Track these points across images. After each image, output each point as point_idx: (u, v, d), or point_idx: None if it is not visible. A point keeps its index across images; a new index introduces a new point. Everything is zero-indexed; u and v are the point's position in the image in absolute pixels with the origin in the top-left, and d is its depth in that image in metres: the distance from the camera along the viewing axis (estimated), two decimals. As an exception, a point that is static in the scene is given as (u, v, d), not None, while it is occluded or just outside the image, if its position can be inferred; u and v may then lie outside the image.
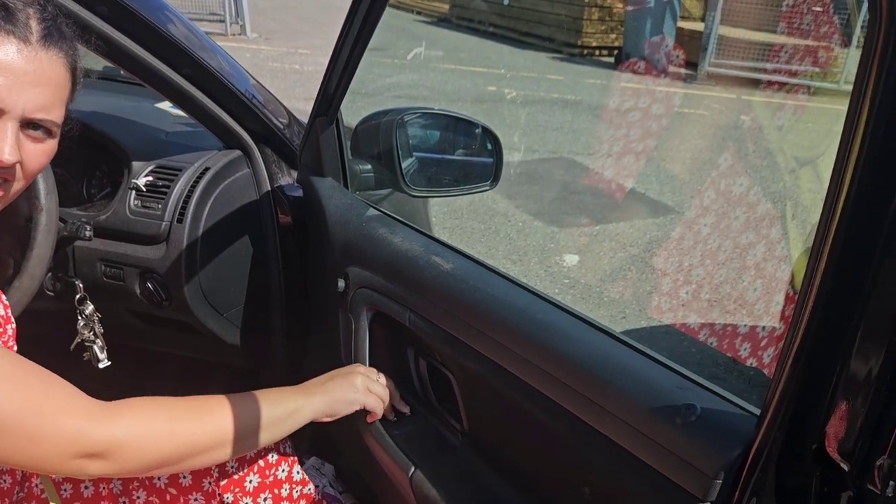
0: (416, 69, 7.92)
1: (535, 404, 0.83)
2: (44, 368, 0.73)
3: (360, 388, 0.99)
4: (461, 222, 4.09)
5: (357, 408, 0.98)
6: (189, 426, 0.80)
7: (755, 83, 7.63)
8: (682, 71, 8.43)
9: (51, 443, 0.70)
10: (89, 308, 1.29)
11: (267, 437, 0.89)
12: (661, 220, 4.29)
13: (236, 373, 1.57)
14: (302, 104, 6.56)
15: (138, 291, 1.33)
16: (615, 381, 0.74)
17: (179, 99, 1.21)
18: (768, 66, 7.65)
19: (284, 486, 1.12)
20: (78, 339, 1.30)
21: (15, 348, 0.85)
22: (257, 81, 1.34)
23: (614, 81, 8.24)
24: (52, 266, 1.24)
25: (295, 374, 1.40)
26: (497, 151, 1.31)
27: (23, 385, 0.68)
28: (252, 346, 1.41)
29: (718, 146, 5.83)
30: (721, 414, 0.66)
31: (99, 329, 1.30)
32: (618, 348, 0.78)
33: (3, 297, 0.87)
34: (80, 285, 1.30)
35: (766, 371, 2.51)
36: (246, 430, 0.85)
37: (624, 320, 3.12)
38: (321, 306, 1.28)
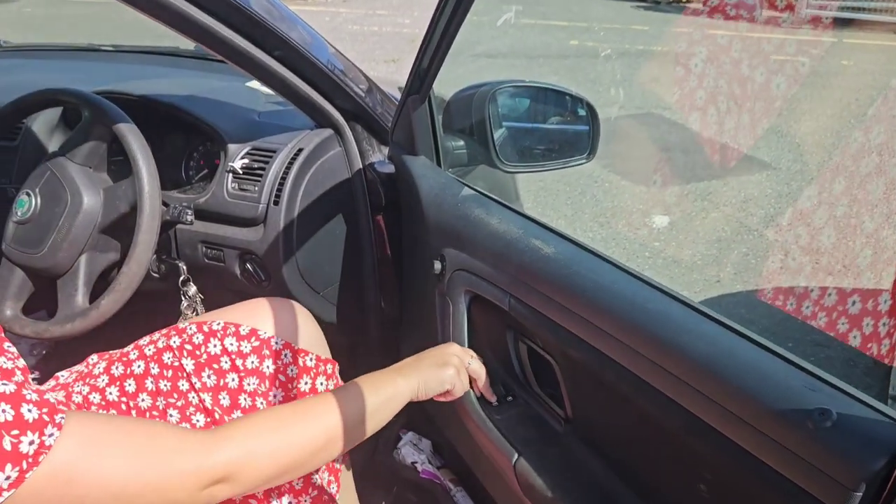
0: (492, 27, 7.76)
1: (645, 397, 0.79)
2: (137, 419, 0.74)
3: (454, 366, 0.98)
4: (546, 184, 4.02)
5: (448, 387, 0.97)
6: (298, 433, 0.80)
7: (861, 24, 7.11)
8: (778, 14, 7.95)
9: (176, 487, 0.70)
10: (192, 289, 1.33)
11: (372, 425, 0.89)
12: (756, 177, 4.09)
13: (332, 350, 1.60)
14: (382, 67, 6.56)
15: (238, 272, 1.36)
16: (735, 378, 0.69)
17: (272, 81, 1.20)
18: (875, 4, 7.11)
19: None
20: (182, 320, 1.34)
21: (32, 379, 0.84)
22: (335, 49, 1.32)
23: (703, 29, 7.86)
24: (157, 248, 1.28)
25: (390, 352, 1.41)
26: (594, 123, 1.26)
27: (129, 447, 0.67)
28: (348, 324, 1.42)
29: (818, 96, 5.49)
30: (860, 420, 0.61)
31: (201, 310, 1.34)
32: (737, 342, 0.73)
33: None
34: (184, 267, 1.34)
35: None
36: (351, 425, 0.85)
37: (718, 284, 3.01)
38: (416, 286, 1.28)
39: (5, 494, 0.58)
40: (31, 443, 0.59)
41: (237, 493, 0.78)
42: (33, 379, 0.98)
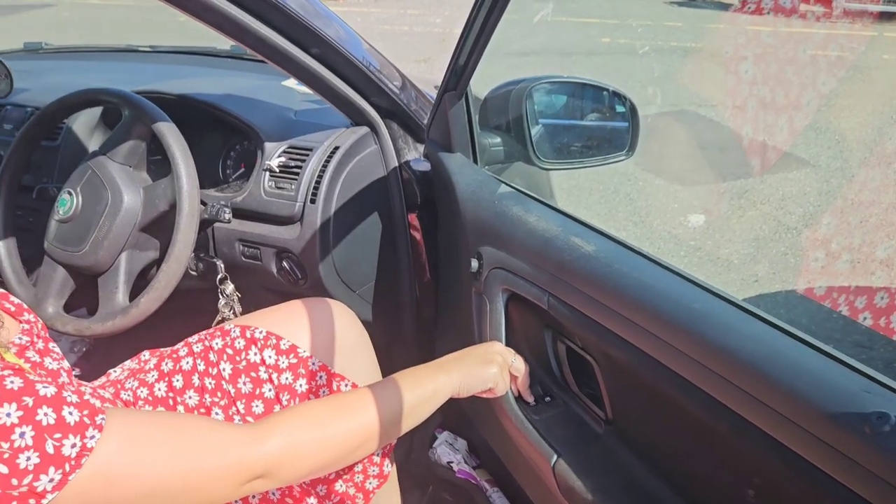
0: (524, 25, 7.72)
1: (689, 398, 0.78)
2: (179, 413, 0.74)
3: (498, 365, 0.97)
4: (578, 182, 3.98)
5: (490, 385, 0.96)
6: (338, 428, 0.80)
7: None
8: (815, 9, 7.78)
9: (217, 483, 0.70)
10: (230, 288, 1.34)
11: (411, 421, 0.89)
12: (794, 174, 4.00)
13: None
14: (413, 66, 6.56)
15: (275, 271, 1.36)
16: (786, 380, 0.67)
17: (308, 79, 1.20)
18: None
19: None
20: (219, 318, 1.35)
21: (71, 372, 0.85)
22: (370, 45, 1.32)
23: (739, 25, 7.73)
24: (195, 247, 1.29)
25: (426, 350, 1.41)
26: (633, 119, 1.24)
27: (170, 444, 0.68)
28: (384, 323, 1.42)
29: (858, 91, 5.37)
30: (920, 424, 0.58)
31: (238, 308, 1.34)
32: (787, 342, 0.71)
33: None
34: (221, 265, 1.34)
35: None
36: (392, 420, 0.85)
37: (756, 283, 2.95)
38: (452, 284, 1.27)
39: (49, 497, 0.58)
40: (73, 445, 0.60)
41: (275, 486, 0.78)
42: (75, 376, 0.99)
